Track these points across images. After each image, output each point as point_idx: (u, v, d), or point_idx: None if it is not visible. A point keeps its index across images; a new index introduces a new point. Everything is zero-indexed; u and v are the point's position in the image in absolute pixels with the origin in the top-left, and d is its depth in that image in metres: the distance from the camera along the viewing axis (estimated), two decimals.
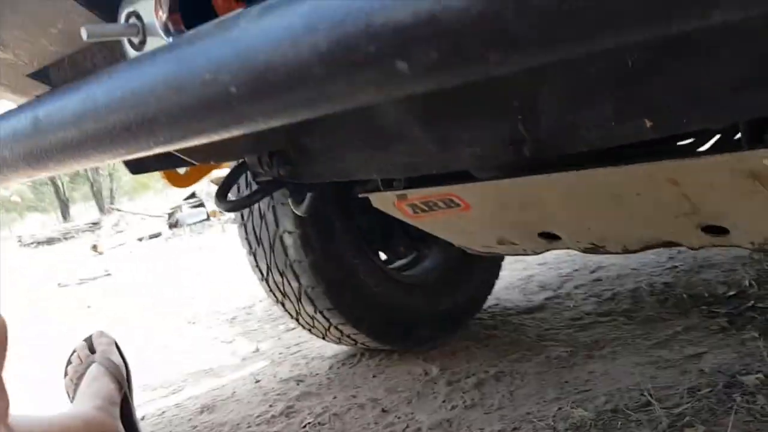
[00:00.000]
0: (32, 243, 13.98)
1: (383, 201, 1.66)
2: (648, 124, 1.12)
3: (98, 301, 5.80)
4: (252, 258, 2.65)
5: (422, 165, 1.42)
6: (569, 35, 0.38)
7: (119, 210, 16.14)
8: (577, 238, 1.58)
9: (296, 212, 1.85)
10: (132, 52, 0.90)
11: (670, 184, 1.24)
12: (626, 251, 1.53)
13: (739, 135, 1.23)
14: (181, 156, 1.40)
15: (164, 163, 1.48)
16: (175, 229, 10.29)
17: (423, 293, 2.85)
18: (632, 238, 1.49)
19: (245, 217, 2.57)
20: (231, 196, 2.07)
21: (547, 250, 1.70)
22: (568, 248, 1.65)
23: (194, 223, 10.14)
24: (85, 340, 2.05)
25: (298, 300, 2.63)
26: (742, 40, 0.98)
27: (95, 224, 15.04)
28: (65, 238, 13.86)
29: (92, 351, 1.98)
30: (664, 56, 1.07)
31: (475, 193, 1.50)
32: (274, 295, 2.71)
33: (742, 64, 1.00)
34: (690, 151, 1.25)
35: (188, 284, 5.60)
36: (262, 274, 2.66)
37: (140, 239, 10.48)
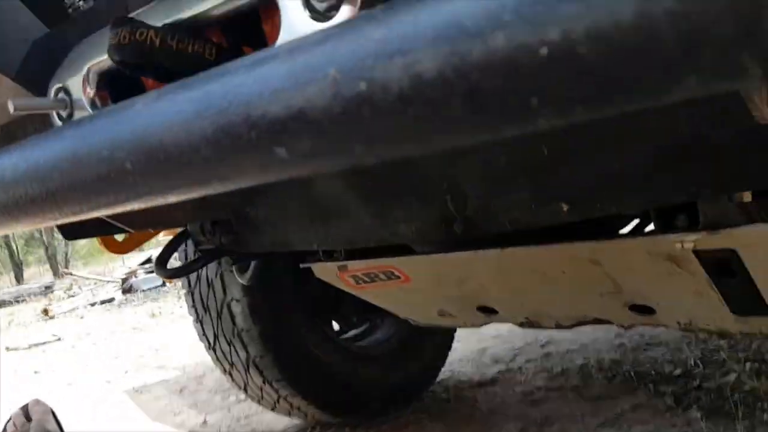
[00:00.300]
0: None
1: (326, 272, 1.68)
2: (564, 207, 1.17)
3: (46, 366, 5.61)
4: (199, 326, 2.62)
5: (361, 238, 1.46)
6: (413, 135, 0.42)
7: (72, 274, 15.79)
8: (512, 313, 1.61)
9: (241, 281, 1.85)
10: (59, 125, 0.93)
11: (592, 264, 1.29)
12: (559, 326, 1.57)
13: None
14: (116, 223, 1.41)
15: (100, 230, 1.48)
16: (128, 295, 10.07)
17: (375, 364, 2.83)
18: (563, 315, 1.53)
19: (193, 284, 2.56)
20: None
21: (486, 324, 1.73)
22: (506, 321, 1.68)
23: (149, 289, 9.94)
24: (22, 408, 1.99)
25: (246, 370, 2.59)
26: (647, 132, 1.05)
27: (48, 288, 14.64)
28: (17, 301, 13.43)
29: (28, 419, 1.92)
30: (575, 145, 1.14)
31: (414, 267, 1.54)
32: (221, 364, 2.67)
33: (648, 154, 1.06)
34: (610, 233, 1.30)
35: (138, 352, 5.46)
36: (209, 342, 2.62)
37: (92, 304, 10.21)
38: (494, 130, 0.40)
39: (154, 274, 9.63)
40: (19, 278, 27.19)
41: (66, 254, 29.76)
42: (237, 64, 0.50)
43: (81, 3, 1.03)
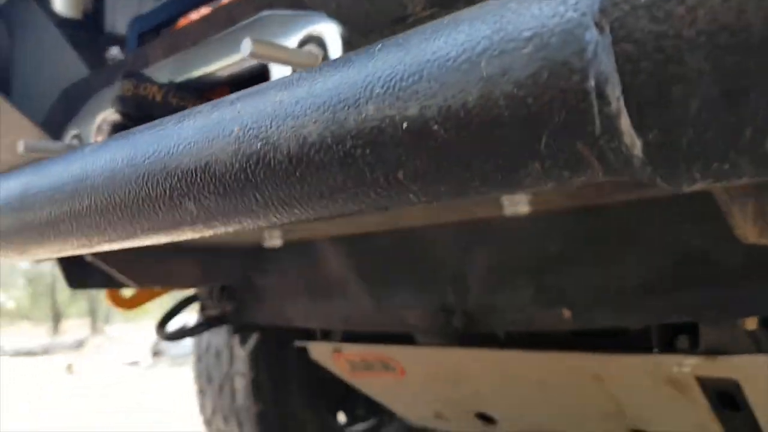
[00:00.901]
0: (12, 353, 13.66)
1: (321, 353, 1.64)
2: (566, 314, 1.13)
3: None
4: (201, 398, 2.57)
5: (359, 321, 1.43)
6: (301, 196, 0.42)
7: (103, 332, 15.95)
8: (511, 424, 1.53)
9: (241, 350, 1.83)
10: None
11: (594, 380, 1.23)
12: None
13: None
14: (121, 277, 1.42)
15: (106, 282, 1.50)
16: (156, 358, 10.03)
17: None
18: (563, 430, 1.45)
19: (201, 353, 2.53)
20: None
21: None
22: None
23: (179, 355, 9.88)
24: None
25: None
26: (650, 245, 1.02)
27: (80, 343, 14.75)
28: (46, 353, 13.53)
29: None
30: (581, 250, 1.11)
31: (410, 360, 1.49)
32: None
33: (651, 268, 1.03)
34: (612, 347, 1.25)
35: (147, 422, 5.36)
36: (206, 416, 2.56)
37: (118, 364, 10.21)
38: (368, 197, 0.40)
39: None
40: (55, 329, 27.53)
41: (108, 310, 30.26)
42: (169, 118, 0.51)
43: (117, 54, 1.10)
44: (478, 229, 1.23)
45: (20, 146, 0.92)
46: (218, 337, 2.39)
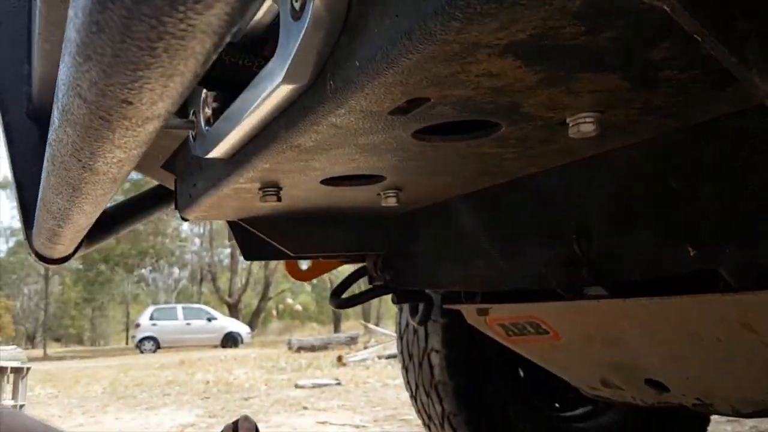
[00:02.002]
0: (298, 348, 15.45)
1: (475, 318, 1.63)
2: (690, 251, 1.00)
3: (316, 404, 6.19)
4: (404, 373, 2.68)
5: (494, 280, 1.41)
6: None
7: (367, 327, 17.23)
8: (681, 390, 1.38)
9: (412, 322, 1.90)
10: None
11: (744, 329, 1.06)
12: (737, 414, 1.29)
13: None
14: (281, 247, 1.57)
15: (274, 255, 1.66)
16: None
17: None
18: (738, 398, 1.26)
19: (402, 330, 2.65)
20: None
21: (660, 404, 1.49)
22: (679, 402, 1.43)
23: None
24: (233, 422, 2.26)
25: (441, 425, 2.56)
26: None
27: (353, 339, 16.15)
28: (325, 347, 15.08)
29: None
30: (704, 180, 0.98)
31: (556, 319, 1.42)
32: (421, 416, 2.68)
33: None
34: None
35: (396, 404, 5.72)
36: (411, 391, 2.66)
37: (380, 357, 10.99)
38: None
39: None
40: (336, 327, 30.63)
41: (378, 310, 32.84)
42: None
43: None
44: (595, 169, 1.14)
45: None
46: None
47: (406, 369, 2.66)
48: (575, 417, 2.77)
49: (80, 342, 39.40)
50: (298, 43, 0.70)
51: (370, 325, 18.26)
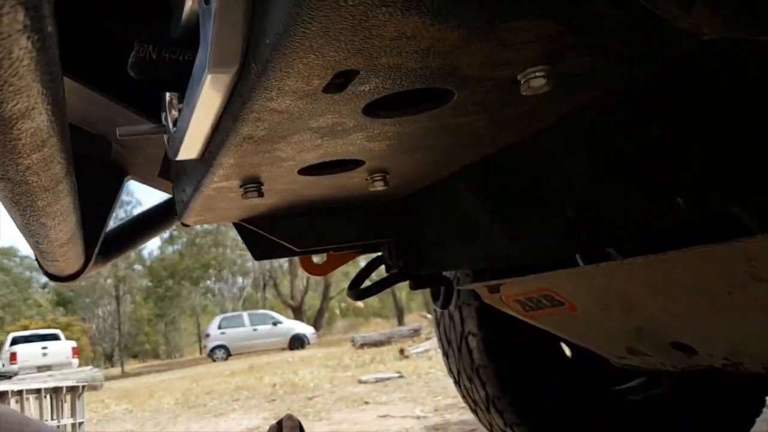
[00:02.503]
0: (361, 345, 15.56)
1: (490, 297, 1.58)
2: (680, 202, 0.94)
3: (377, 398, 6.21)
4: (445, 360, 2.65)
5: (500, 256, 1.37)
6: None
7: (426, 317, 17.23)
8: (707, 350, 1.31)
9: (435, 306, 1.87)
10: None
11: (754, 279, 1.00)
12: None
13: None
14: (287, 244, 1.56)
15: (283, 253, 1.66)
16: None
17: (648, 423, 2.49)
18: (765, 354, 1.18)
19: (438, 316, 2.62)
20: None
21: (691, 367, 1.42)
22: (708, 364, 1.36)
23: None
24: (277, 422, 2.28)
25: (488, 410, 2.51)
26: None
27: (416, 331, 16.16)
28: (388, 342, 15.14)
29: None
30: (682, 123, 0.92)
31: (568, 288, 1.36)
32: (467, 401, 2.64)
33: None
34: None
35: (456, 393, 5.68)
36: (455, 377, 2.63)
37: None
38: None
39: None
40: (400, 321, 30.73)
41: None
42: None
43: None
44: (575, 128, 1.09)
45: (117, 132, 1.09)
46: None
47: (446, 355, 2.62)
48: (629, 390, 2.69)
49: (156, 356, 40.71)
50: (211, 27, 0.69)
51: (431, 316, 18.32)
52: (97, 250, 1.60)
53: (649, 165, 0.98)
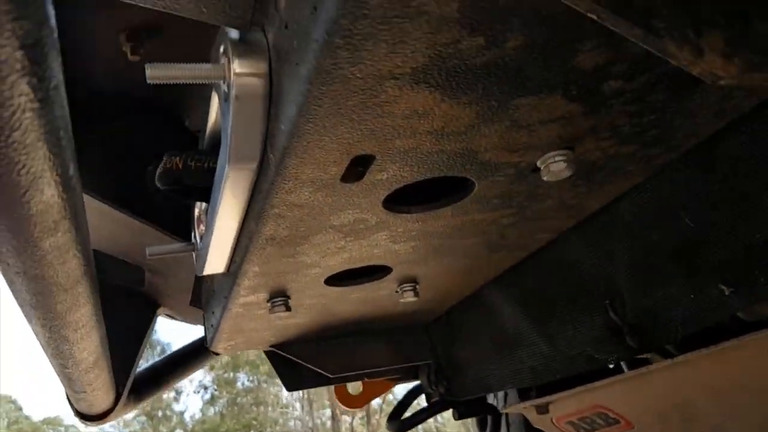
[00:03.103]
0: None
1: (540, 420, 1.47)
2: (726, 290, 0.89)
3: None
4: None
5: (545, 370, 1.29)
6: None
7: None
8: None
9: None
10: None
11: None
12: None
13: None
14: (318, 370, 1.51)
15: (315, 382, 1.60)
16: None
17: None
18: None
19: None
20: None
21: None
22: None
23: None
24: None
25: None
26: None
27: None
28: None
29: None
30: (714, 210, 0.89)
31: (621, 401, 1.26)
32: None
33: None
34: None
35: None
36: None
37: None
38: None
39: None
40: None
41: None
42: None
43: None
44: (608, 224, 1.07)
45: (147, 253, 1.10)
46: None
47: None
48: None
49: None
50: (231, 121, 0.71)
51: None
52: (128, 387, 1.56)
53: (688, 255, 0.94)
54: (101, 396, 1.35)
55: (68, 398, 1.44)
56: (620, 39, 0.58)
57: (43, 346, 0.96)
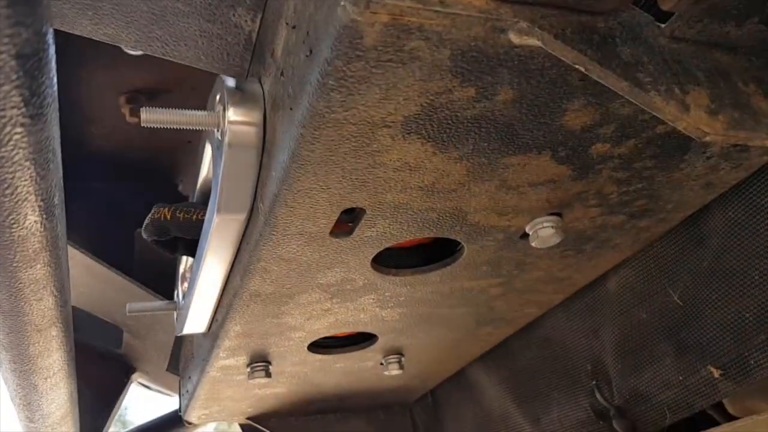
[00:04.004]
0: None
1: None
2: (715, 373, 0.87)
3: None
4: None
5: None
6: None
7: None
8: None
9: None
10: None
11: None
12: None
13: None
14: None
15: None
16: None
17: None
18: None
19: None
20: None
21: None
22: None
23: None
24: None
25: None
26: None
27: None
28: None
29: None
30: (707, 288, 0.88)
31: None
32: None
33: None
34: None
35: None
36: None
37: None
38: None
39: None
40: None
41: None
42: None
43: None
44: (596, 301, 1.06)
45: (126, 309, 1.08)
46: None
47: None
48: None
49: None
50: (222, 169, 0.71)
51: None
52: None
53: (677, 334, 0.93)
54: None
55: None
56: (608, 98, 0.60)
57: (11, 396, 0.92)
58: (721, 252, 0.86)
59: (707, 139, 0.52)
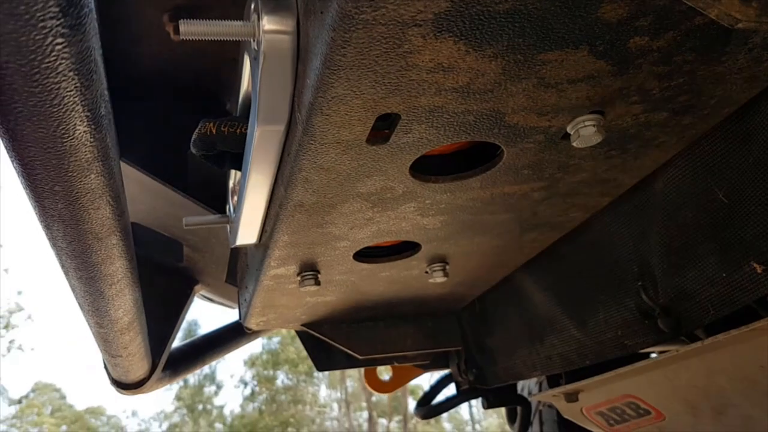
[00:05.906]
0: None
1: (569, 409, 1.44)
2: (759, 268, 0.86)
3: None
4: None
5: (575, 356, 1.28)
6: None
7: None
8: None
9: (512, 431, 1.73)
10: None
11: None
12: None
13: None
14: (348, 351, 1.52)
15: (345, 363, 1.61)
16: None
17: None
18: None
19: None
20: None
21: None
22: None
23: None
24: None
25: None
26: None
27: None
28: None
29: None
30: (752, 186, 0.86)
31: (651, 391, 1.23)
32: None
33: None
34: None
35: None
36: None
37: None
38: None
39: None
40: None
41: None
42: None
43: None
44: (641, 202, 1.05)
45: (184, 222, 1.13)
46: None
47: None
48: None
49: None
50: (259, 80, 0.72)
51: None
52: (164, 359, 1.60)
53: (721, 232, 0.92)
54: (136, 362, 1.39)
55: (105, 366, 1.48)
56: None
57: (80, 304, 0.99)
58: (767, 148, 0.83)
59: (739, 26, 0.50)
